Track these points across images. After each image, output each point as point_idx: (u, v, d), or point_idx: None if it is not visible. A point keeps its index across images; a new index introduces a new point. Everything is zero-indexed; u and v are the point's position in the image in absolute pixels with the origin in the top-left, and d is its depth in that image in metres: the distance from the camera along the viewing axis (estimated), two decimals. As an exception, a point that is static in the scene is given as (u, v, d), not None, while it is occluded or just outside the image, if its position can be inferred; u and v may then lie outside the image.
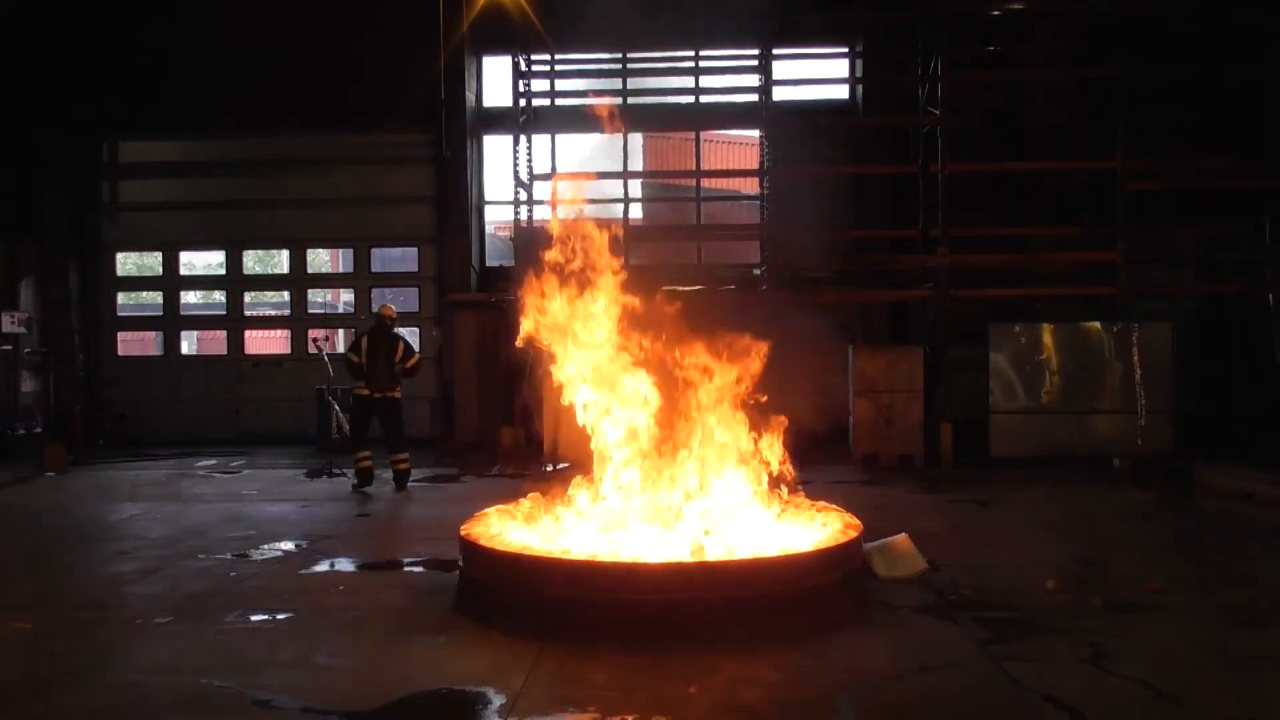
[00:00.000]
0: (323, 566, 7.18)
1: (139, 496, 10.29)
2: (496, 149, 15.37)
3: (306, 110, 14.62)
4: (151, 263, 16.44)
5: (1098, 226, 12.62)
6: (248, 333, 16.60)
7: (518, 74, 13.97)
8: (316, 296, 16.98)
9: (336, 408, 12.17)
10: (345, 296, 17.26)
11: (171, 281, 16.06)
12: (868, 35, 14.48)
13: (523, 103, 14.01)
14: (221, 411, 15.38)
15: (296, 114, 14.67)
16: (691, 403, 6.57)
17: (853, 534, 6.27)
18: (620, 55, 14.58)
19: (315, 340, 13.50)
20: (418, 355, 10.78)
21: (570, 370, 6.47)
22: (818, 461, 10.76)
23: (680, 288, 15.08)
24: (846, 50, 15.10)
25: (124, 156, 15.69)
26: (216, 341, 16.43)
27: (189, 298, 16.60)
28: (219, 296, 16.50)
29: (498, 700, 4.47)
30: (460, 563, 6.32)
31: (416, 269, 15.55)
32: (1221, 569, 6.91)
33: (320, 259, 17.94)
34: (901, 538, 6.70)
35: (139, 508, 9.68)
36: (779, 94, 14.19)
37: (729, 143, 19.02)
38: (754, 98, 14.06)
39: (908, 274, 13.29)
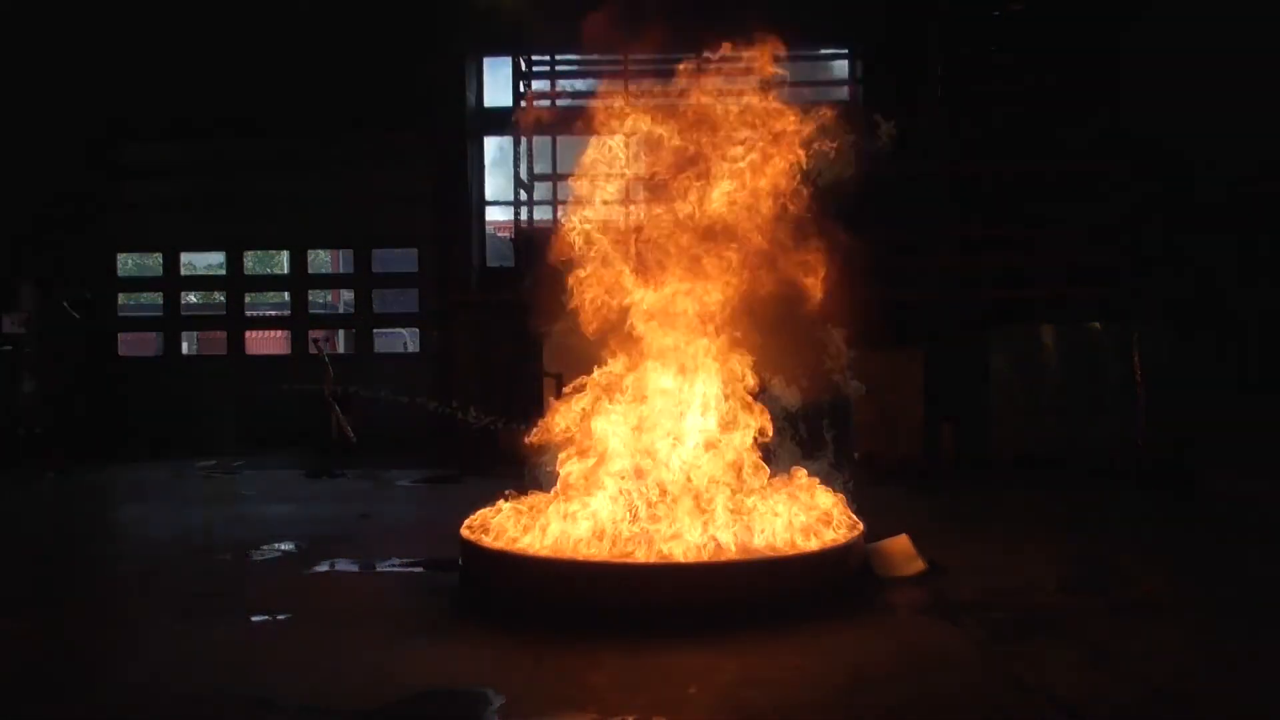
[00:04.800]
0: (323, 567, 7.18)
1: (139, 497, 10.29)
2: (497, 150, 15.39)
3: (307, 111, 14.61)
4: (152, 263, 16.45)
5: (1099, 227, 12.61)
6: (248, 334, 16.61)
7: (518, 75, 13.97)
8: (317, 297, 16.99)
9: (337, 409, 12.18)
10: (346, 297, 17.27)
11: (172, 282, 16.06)
12: (869, 36, 14.46)
13: (523, 103, 14.01)
14: (222, 412, 15.38)
15: (297, 115, 14.67)
16: (694, 395, 6.59)
17: (853, 534, 6.28)
18: (620, 56, 14.57)
19: (316, 341, 13.51)
20: None
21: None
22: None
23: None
24: (847, 51, 15.10)
25: (125, 157, 15.68)
26: (217, 342, 16.42)
27: (190, 298, 16.61)
28: (219, 297, 16.51)
29: (498, 700, 4.47)
30: (460, 563, 6.33)
31: (417, 270, 15.55)
32: (1223, 570, 6.90)
33: (320, 260, 17.95)
34: (901, 538, 6.70)
35: (139, 509, 9.69)
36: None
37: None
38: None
39: (909, 275, 13.28)
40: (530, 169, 13.96)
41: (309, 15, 14.37)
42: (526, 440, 6.94)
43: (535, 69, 14.19)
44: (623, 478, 6.31)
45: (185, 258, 16.61)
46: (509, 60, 14.12)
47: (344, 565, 7.23)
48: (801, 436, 7.05)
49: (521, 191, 13.94)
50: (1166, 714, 4.32)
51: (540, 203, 14.33)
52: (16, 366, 14.20)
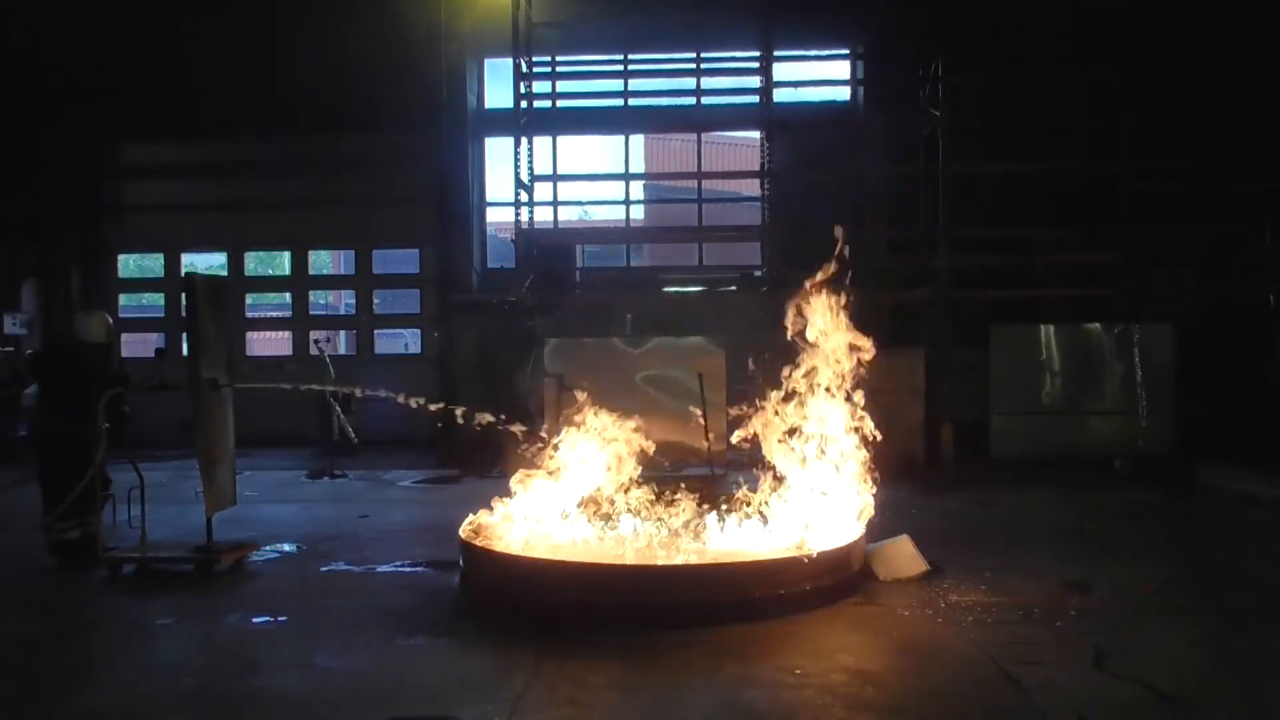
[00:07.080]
0: (324, 568, 7.19)
1: (139, 498, 10.25)
2: (498, 150, 15.38)
3: (308, 112, 14.62)
4: (153, 264, 16.45)
5: (1099, 227, 12.61)
6: (249, 334, 16.61)
7: (519, 75, 13.95)
8: (318, 298, 16.98)
9: (338, 409, 12.18)
10: (347, 298, 17.28)
11: (173, 283, 16.06)
12: (869, 37, 14.47)
13: (524, 104, 14.00)
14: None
15: (298, 116, 14.67)
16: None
17: (854, 536, 6.28)
18: (621, 57, 14.59)
19: (317, 342, 13.51)
20: None
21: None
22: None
23: (682, 289, 15.17)
24: (848, 52, 15.10)
25: (126, 159, 15.70)
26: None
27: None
28: (220, 298, 16.52)
29: (499, 702, 4.47)
30: (460, 564, 6.34)
31: (418, 270, 15.55)
32: (1222, 570, 6.91)
33: (322, 260, 17.95)
34: (902, 539, 6.70)
35: (138, 509, 9.66)
36: (780, 96, 14.19)
37: (730, 144, 19.04)
38: (755, 99, 14.05)
39: (909, 275, 13.27)
40: (530, 169, 13.95)
41: (309, 16, 14.38)
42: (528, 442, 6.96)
43: (536, 70, 14.18)
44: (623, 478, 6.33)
45: (186, 259, 16.58)
46: (509, 60, 14.11)
47: (345, 566, 7.23)
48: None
49: (522, 192, 13.93)
50: (1167, 714, 4.32)
51: (541, 203, 14.32)
52: (18, 368, 14.19)
